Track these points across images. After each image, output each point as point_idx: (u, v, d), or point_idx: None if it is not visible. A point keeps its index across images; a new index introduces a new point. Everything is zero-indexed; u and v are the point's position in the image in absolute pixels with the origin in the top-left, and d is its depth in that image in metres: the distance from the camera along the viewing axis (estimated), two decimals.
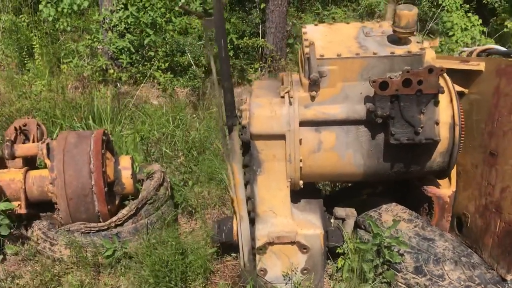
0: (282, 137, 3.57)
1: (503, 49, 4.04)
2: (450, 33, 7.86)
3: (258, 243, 3.73)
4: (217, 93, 3.50)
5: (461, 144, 3.61)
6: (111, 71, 7.65)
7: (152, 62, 7.82)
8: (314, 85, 3.52)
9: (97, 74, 7.62)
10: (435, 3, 9.21)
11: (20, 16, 8.66)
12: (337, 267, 4.09)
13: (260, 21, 8.62)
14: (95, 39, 7.76)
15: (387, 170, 3.70)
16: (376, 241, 3.71)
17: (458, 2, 8.50)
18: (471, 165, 3.87)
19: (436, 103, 3.46)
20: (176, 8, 8.02)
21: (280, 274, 3.83)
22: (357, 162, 3.68)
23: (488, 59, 3.86)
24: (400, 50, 3.47)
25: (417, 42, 3.55)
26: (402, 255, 3.70)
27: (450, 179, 4.00)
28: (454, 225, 4.08)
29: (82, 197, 4.28)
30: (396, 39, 3.55)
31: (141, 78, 7.80)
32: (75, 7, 7.52)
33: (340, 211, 4.14)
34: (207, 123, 6.54)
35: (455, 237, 3.91)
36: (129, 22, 7.52)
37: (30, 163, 4.74)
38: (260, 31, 8.57)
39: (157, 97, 7.79)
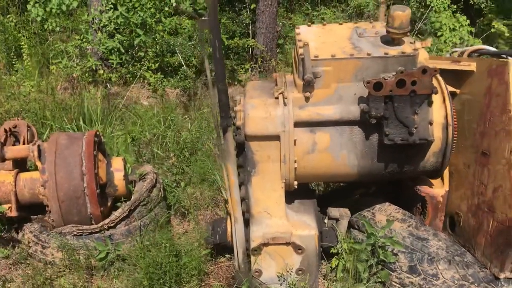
0: (276, 138, 3.57)
1: (494, 49, 4.08)
2: (439, 34, 7.92)
3: (253, 244, 3.73)
4: (212, 94, 3.48)
5: (454, 144, 3.64)
6: (101, 71, 7.59)
7: (142, 62, 7.78)
8: (308, 86, 3.53)
9: (86, 74, 7.56)
10: (423, 4, 9.28)
11: (8, 16, 8.56)
12: (331, 267, 4.10)
13: (250, 22, 8.63)
14: (84, 40, 7.69)
15: (381, 170, 3.71)
16: (371, 241, 3.72)
17: (446, 3, 8.57)
18: (463, 165, 3.90)
19: (430, 103, 3.48)
20: (166, 9, 7.99)
21: (275, 275, 3.82)
22: (351, 162, 3.69)
23: (480, 59, 3.89)
24: (393, 50, 3.49)
25: (410, 43, 3.57)
26: (396, 254, 3.72)
27: (442, 179, 4.03)
28: (447, 225, 4.11)
29: (74, 199, 4.24)
30: (389, 40, 3.57)
31: (131, 78, 7.75)
32: (64, 7, 7.43)
33: (334, 212, 4.15)
34: (198, 124, 6.51)
35: (448, 237, 3.93)
36: (119, 22, 7.47)
37: (21, 165, 4.68)
38: (251, 32, 8.57)
39: (147, 97, 7.75)
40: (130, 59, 7.82)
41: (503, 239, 3.49)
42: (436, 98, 3.55)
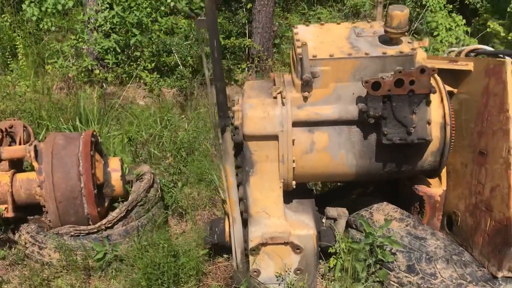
0: (275, 137, 3.56)
1: (491, 49, 4.10)
2: (435, 33, 7.94)
3: (251, 244, 3.72)
4: (209, 93, 3.47)
5: (452, 143, 3.65)
6: (97, 71, 7.57)
7: (138, 62, 7.75)
8: (306, 86, 3.52)
9: (82, 74, 7.53)
10: (419, 3, 9.31)
11: (2, 15, 8.51)
12: (329, 266, 4.10)
13: (246, 21, 8.62)
14: (80, 39, 7.65)
15: (379, 170, 3.72)
16: (369, 241, 3.72)
17: (442, 2, 8.60)
18: (460, 164, 3.91)
19: (428, 103, 3.49)
20: (162, 8, 7.97)
21: (273, 274, 3.82)
22: (349, 162, 3.69)
23: (477, 59, 3.90)
24: (391, 50, 3.50)
25: (408, 42, 3.58)
26: (394, 254, 3.72)
27: (440, 178, 4.04)
28: (444, 224, 4.12)
29: (71, 199, 4.22)
30: (387, 40, 3.57)
31: (127, 78, 7.73)
32: (60, 7, 7.40)
33: (331, 211, 4.15)
34: (195, 124, 6.50)
35: (446, 236, 3.94)
36: (115, 22, 7.44)
37: (17, 165, 4.66)
38: (247, 31, 8.56)
39: (144, 97, 7.73)
40: (126, 59, 7.79)
41: (500, 238, 3.50)
42: (434, 98, 3.56)
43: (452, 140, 3.65)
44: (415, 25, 8.69)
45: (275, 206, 3.75)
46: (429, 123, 3.50)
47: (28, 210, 4.53)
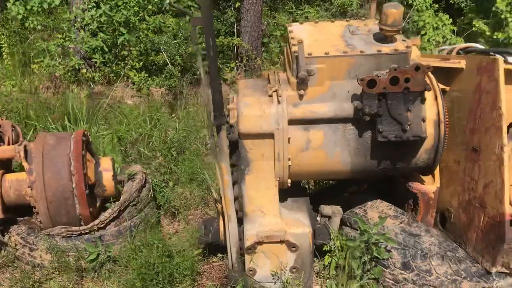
0: (271, 136, 3.55)
1: (482, 47, 4.14)
2: (422, 32, 8.01)
3: (247, 243, 3.71)
4: (204, 92, 3.45)
5: (446, 140, 3.68)
6: (84, 71, 7.48)
7: (126, 61, 7.68)
8: (302, 84, 3.52)
9: (69, 74, 7.44)
10: (405, 3, 9.38)
11: None
12: (324, 264, 4.10)
13: (235, 20, 8.59)
14: (67, 38, 7.56)
15: (374, 167, 3.73)
16: (364, 238, 3.73)
17: (428, 2, 8.68)
18: (453, 161, 3.94)
19: (423, 100, 3.51)
20: (150, 7, 7.91)
21: (269, 273, 3.81)
22: (344, 160, 3.70)
23: (469, 57, 3.93)
24: (386, 48, 3.51)
25: (403, 40, 3.60)
26: (389, 251, 3.74)
27: (433, 176, 4.07)
28: (437, 221, 4.15)
29: (63, 200, 4.16)
30: (382, 37, 3.59)
31: (115, 78, 7.65)
32: (46, 5, 7.30)
33: (326, 209, 4.16)
34: (185, 123, 6.46)
35: (440, 233, 3.97)
36: (102, 20, 7.36)
37: (5, 166, 4.58)
38: (235, 30, 8.54)
39: (132, 97, 7.67)
40: (113, 58, 7.72)
41: (494, 234, 3.53)
42: (428, 95, 3.58)
43: (446, 137, 3.67)
44: (402, 25, 8.75)
45: (271, 204, 3.74)
46: (423, 121, 3.51)
47: (17, 211, 4.45)
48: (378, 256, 3.71)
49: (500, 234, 3.44)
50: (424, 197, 3.99)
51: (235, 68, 8.23)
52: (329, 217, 4.17)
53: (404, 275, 3.67)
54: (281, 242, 3.72)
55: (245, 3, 7.99)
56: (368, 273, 3.79)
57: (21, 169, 4.43)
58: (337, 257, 3.98)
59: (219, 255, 4.34)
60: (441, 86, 3.89)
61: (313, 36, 3.71)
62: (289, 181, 3.75)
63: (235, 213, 3.75)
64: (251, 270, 3.80)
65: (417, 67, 3.35)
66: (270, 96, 3.59)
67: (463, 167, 3.82)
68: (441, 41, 7.79)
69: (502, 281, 3.56)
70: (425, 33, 7.93)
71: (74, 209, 4.20)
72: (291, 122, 3.57)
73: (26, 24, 7.69)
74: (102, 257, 4.07)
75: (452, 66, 3.90)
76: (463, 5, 9.63)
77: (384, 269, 3.75)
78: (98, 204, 4.50)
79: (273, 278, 3.82)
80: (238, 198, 3.77)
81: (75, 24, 7.62)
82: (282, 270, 3.80)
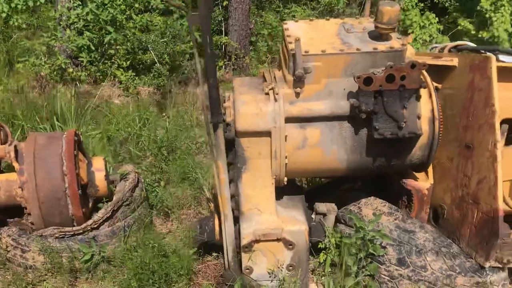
0: (267, 134, 3.55)
1: (473, 45, 4.19)
2: (409, 31, 8.08)
3: (244, 241, 3.70)
4: (200, 90, 3.43)
5: (440, 137, 3.71)
6: (70, 70, 7.38)
7: (113, 60, 7.60)
8: (299, 82, 3.53)
9: (55, 73, 7.33)
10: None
11: None
12: (319, 262, 4.12)
13: (222, 19, 8.57)
14: (53, 37, 7.44)
15: (370, 164, 3.76)
16: (360, 235, 3.75)
17: (414, 1, 8.76)
18: (446, 158, 3.99)
19: (418, 97, 3.54)
20: (136, 5, 7.84)
21: (265, 271, 3.82)
22: (340, 157, 3.72)
23: (462, 55, 3.98)
24: (382, 46, 3.53)
25: (398, 38, 3.62)
26: (384, 247, 3.77)
27: (427, 173, 4.11)
28: (430, 217, 4.19)
29: (55, 200, 4.10)
30: (377, 35, 3.61)
31: (101, 77, 7.56)
32: (31, 3, 7.18)
33: (321, 207, 4.17)
34: (174, 122, 6.42)
35: (434, 229, 4.01)
36: (89, 19, 7.27)
37: None
38: (223, 29, 8.51)
39: (119, 96, 7.59)
40: (100, 57, 7.62)
41: (488, 229, 3.58)
42: (422, 93, 3.61)
43: (440, 134, 3.71)
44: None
45: (267, 202, 3.74)
46: (419, 118, 3.55)
47: (7, 212, 4.37)
48: (373, 252, 3.74)
49: (494, 229, 3.49)
50: (418, 193, 4.02)
51: (223, 66, 8.20)
52: (324, 215, 4.18)
53: (400, 271, 3.71)
54: (278, 240, 3.72)
55: (232, 1, 7.97)
56: (364, 269, 3.82)
57: (10, 169, 4.35)
58: (332, 254, 4.00)
59: (214, 254, 4.32)
60: (434, 84, 3.93)
61: (309, 34, 3.72)
62: (285, 179, 3.75)
63: (232, 212, 3.74)
64: (247, 269, 3.80)
65: (413, 65, 3.38)
66: (267, 94, 3.59)
67: (456, 163, 3.87)
68: (428, 39, 7.87)
69: (495, 275, 3.62)
70: (412, 32, 8.00)
71: (67, 209, 4.15)
72: (288, 120, 3.58)
73: (11, 22, 7.57)
74: (97, 257, 4.02)
75: (445, 64, 3.94)
76: (447, 4, 9.73)
77: (379, 265, 3.78)
78: (90, 205, 4.45)
79: (270, 276, 3.82)
80: (234, 196, 3.76)
81: (61, 23, 7.50)
82: (278, 268, 3.80)
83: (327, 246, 4.03)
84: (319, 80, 3.56)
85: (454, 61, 3.90)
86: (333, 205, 4.19)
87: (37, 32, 8.72)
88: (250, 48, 8.61)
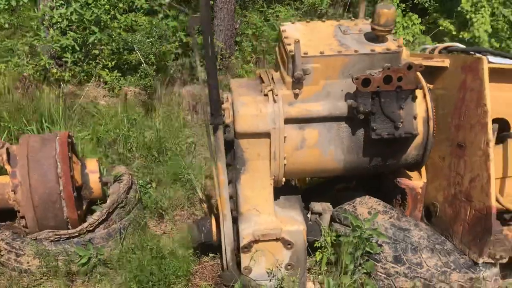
0: (267, 135, 3.58)
1: (463, 46, 4.29)
2: (393, 31, 8.19)
3: (243, 242, 3.73)
4: (200, 91, 3.44)
5: (434, 137, 3.80)
6: (54, 70, 7.26)
7: (98, 60, 7.51)
8: (298, 83, 3.56)
9: (38, 73, 7.21)
10: (372, 2, 9.56)
11: None
12: (315, 260, 4.16)
13: None
14: (36, 37, 7.31)
15: (366, 164, 3.82)
16: (357, 234, 3.81)
17: (395, 2, 8.89)
18: (438, 157, 4.07)
19: (414, 98, 3.61)
20: (121, 5, 7.76)
21: (264, 271, 3.85)
22: (338, 157, 3.77)
23: (453, 56, 4.07)
24: (379, 47, 3.59)
25: (394, 40, 3.69)
26: (380, 245, 3.83)
27: (420, 172, 4.19)
28: (423, 215, 4.28)
29: (50, 203, 4.05)
30: (373, 37, 3.67)
31: (86, 77, 7.47)
32: (14, 2, 7.05)
33: (317, 206, 4.22)
34: (163, 122, 6.39)
35: (428, 226, 4.09)
36: (73, 19, 7.17)
37: None
38: None
39: (104, 96, 7.50)
40: (84, 57, 7.52)
41: (481, 226, 3.67)
42: (417, 93, 3.69)
43: (434, 134, 3.79)
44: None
45: (266, 203, 3.77)
46: (415, 118, 3.62)
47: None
48: (370, 251, 3.80)
49: (487, 226, 3.57)
50: (412, 192, 4.10)
51: None
52: (320, 214, 4.23)
53: (396, 268, 3.77)
54: (277, 240, 3.76)
55: (218, 1, 7.95)
56: (361, 267, 3.88)
57: (1, 172, 4.28)
58: (329, 253, 4.05)
59: (211, 254, 4.33)
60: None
61: (306, 35, 3.76)
62: (283, 179, 3.78)
63: (230, 213, 3.76)
64: (246, 269, 3.82)
65: (410, 66, 3.45)
66: (266, 95, 3.62)
67: (448, 162, 3.96)
68: (411, 40, 8.01)
69: (488, 271, 3.70)
70: (396, 32, 8.12)
71: (61, 212, 4.10)
72: (287, 121, 3.61)
73: None
74: (93, 260, 3.99)
75: (436, 64, 4.03)
76: (426, 5, 9.91)
77: (376, 263, 3.84)
78: (84, 207, 4.41)
79: (269, 276, 3.85)
80: (232, 198, 3.77)
81: (44, 23, 7.38)
82: (277, 267, 3.83)
83: (323, 245, 4.08)
84: (318, 82, 3.61)
85: (446, 62, 3.99)
86: (328, 204, 4.24)
87: (17, 32, 8.56)
88: (235, 48, 8.61)
